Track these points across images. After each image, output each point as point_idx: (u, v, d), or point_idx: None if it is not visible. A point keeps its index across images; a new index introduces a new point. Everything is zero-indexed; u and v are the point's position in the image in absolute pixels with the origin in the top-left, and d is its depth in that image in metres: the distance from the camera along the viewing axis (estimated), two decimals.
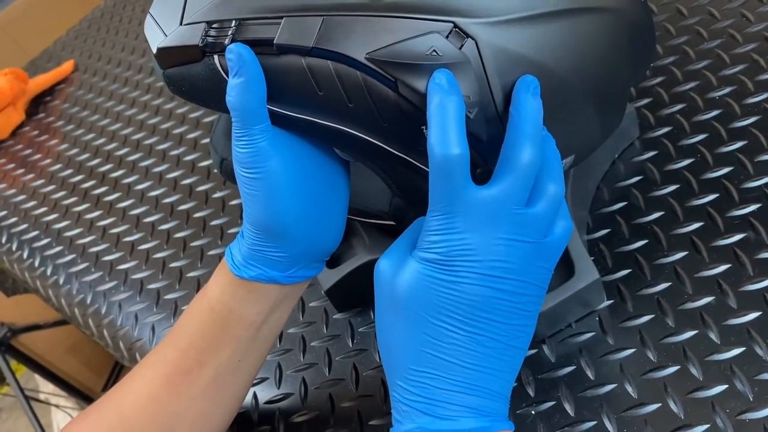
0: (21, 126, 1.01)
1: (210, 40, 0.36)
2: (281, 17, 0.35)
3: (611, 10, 0.39)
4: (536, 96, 0.34)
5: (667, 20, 0.65)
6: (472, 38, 0.34)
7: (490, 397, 0.33)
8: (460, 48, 0.33)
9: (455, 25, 0.34)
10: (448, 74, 0.33)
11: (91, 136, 0.91)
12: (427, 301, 0.33)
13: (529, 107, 0.33)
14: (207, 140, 0.80)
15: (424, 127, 0.36)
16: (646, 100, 0.60)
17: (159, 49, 0.38)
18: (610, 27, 0.39)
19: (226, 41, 0.35)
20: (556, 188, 0.34)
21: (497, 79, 0.35)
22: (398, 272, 0.34)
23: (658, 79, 0.61)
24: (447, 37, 0.33)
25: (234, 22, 0.36)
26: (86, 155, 0.88)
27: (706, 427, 0.41)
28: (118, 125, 0.90)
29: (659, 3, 0.67)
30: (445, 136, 0.32)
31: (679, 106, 0.58)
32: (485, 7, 0.34)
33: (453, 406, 0.33)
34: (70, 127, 0.95)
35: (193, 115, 0.84)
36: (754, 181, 0.51)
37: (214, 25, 0.36)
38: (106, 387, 1.72)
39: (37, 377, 1.70)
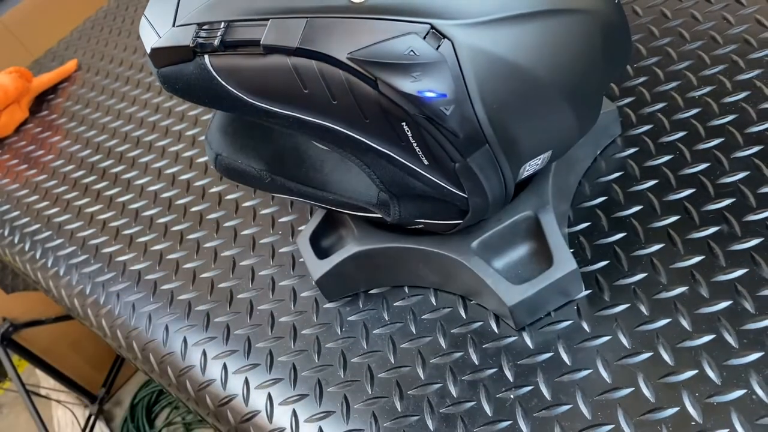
0: (25, 123, 1.03)
1: (200, 40, 0.38)
2: (267, 19, 0.37)
3: (585, 12, 0.41)
4: None
5: (651, 22, 0.67)
6: (449, 39, 0.36)
7: None
8: (437, 48, 0.35)
9: (432, 27, 0.36)
10: None
11: (92, 133, 0.93)
12: None
13: None
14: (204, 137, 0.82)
15: (404, 124, 0.38)
16: (628, 99, 0.62)
17: (152, 50, 0.40)
18: (584, 28, 0.41)
19: (216, 42, 0.38)
20: None
21: (473, 78, 0.37)
22: None
23: (641, 79, 0.63)
24: (424, 37, 0.35)
25: (223, 23, 0.38)
26: (88, 151, 0.90)
27: (676, 409, 0.43)
28: (119, 122, 0.92)
29: (644, 5, 0.69)
30: None
31: (660, 105, 0.60)
32: (462, 9, 0.36)
33: None
34: (73, 124, 0.97)
35: (191, 113, 0.87)
36: (729, 176, 0.52)
37: (204, 27, 0.38)
38: (106, 383, 1.74)
39: (39, 373, 1.72)
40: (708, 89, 0.59)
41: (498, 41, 0.37)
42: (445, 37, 0.36)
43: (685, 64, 0.62)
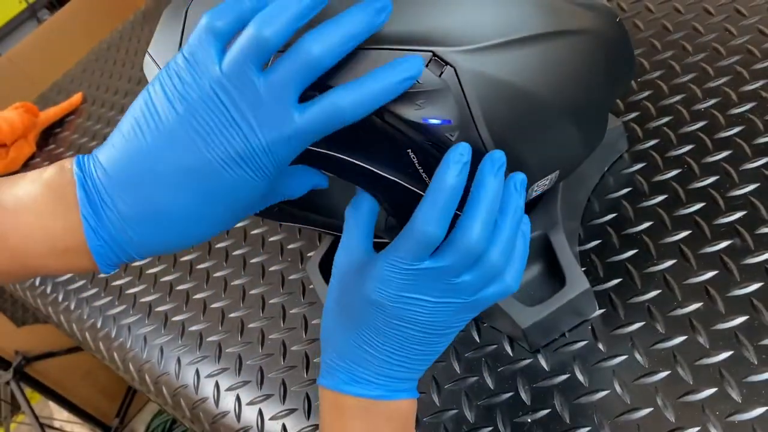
0: (32, 158, 1.04)
1: None
2: None
3: (586, 32, 0.41)
4: (500, 176, 0.36)
5: (653, 36, 0.67)
6: (451, 65, 0.36)
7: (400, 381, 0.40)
8: (440, 75, 0.35)
9: (434, 54, 0.35)
10: (468, 150, 0.35)
11: None
12: (380, 309, 0.38)
13: (489, 189, 0.36)
14: None
15: (410, 151, 0.38)
16: (633, 114, 0.62)
17: None
18: (585, 48, 0.41)
19: None
20: (494, 263, 0.37)
21: (477, 104, 0.36)
22: (368, 275, 0.38)
23: (646, 93, 0.63)
24: (427, 65, 0.35)
25: None
26: None
27: (697, 429, 0.42)
28: None
29: (645, 19, 0.69)
30: (432, 214, 0.35)
31: (666, 119, 0.60)
32: (463, 35, 0.36)
33: (366, 380, 0.39)
34: None
35: None
36: (739, 189, 0.52)
37: None
38: (120, 413, 1.73)
39: (52, 405, 1.72)
40: (713, 101, 0.59)
41: (500, 65, 0.37)
42: (447, 63, 0.36)
43: (689, 76, 0.62)
